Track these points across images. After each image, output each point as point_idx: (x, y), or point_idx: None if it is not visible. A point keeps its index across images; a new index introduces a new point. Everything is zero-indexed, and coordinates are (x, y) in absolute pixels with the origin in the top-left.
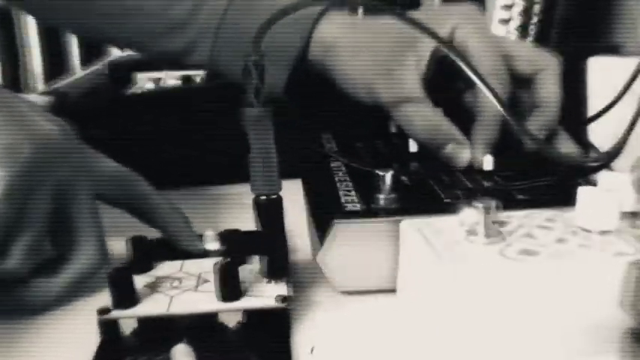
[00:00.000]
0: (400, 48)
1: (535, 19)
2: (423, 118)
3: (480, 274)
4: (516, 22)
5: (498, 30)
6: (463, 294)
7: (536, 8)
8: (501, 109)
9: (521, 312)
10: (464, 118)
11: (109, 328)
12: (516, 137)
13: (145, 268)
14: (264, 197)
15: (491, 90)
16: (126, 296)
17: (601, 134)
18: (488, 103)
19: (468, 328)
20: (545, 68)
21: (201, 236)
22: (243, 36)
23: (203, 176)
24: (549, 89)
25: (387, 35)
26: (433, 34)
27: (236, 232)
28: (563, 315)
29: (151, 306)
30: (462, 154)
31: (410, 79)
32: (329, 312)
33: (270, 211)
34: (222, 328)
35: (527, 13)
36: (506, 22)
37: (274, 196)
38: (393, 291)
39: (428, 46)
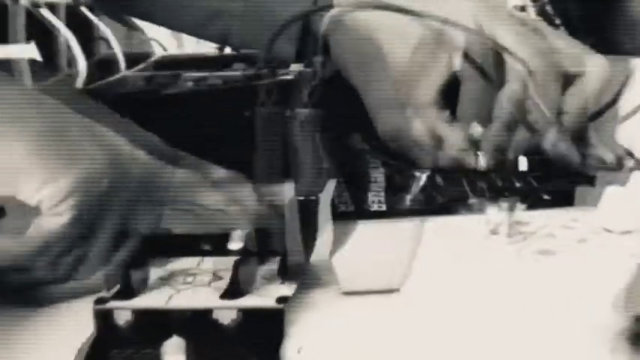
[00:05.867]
0: (423, 55)
1: None
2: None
3: (496, 273)
4: None
5: None
6: (479, 293)
7: (535, 10)
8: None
9: (536, 311)
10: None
11: (101, 320)
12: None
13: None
14: (303, 198)
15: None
16: (123, 287)
17: (630, 135)
18: (504, 109)
19: (483, 326)
20: (591, 71)
21: None
22: None
23: None
24: (588, 95)
25: (407, 39)
26: (467, 29)
27: (263, 231)
28: (579, 315)
29: (149, 299)
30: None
31: (429, 89)
32: (327, 312)
33: (308, 211)
34: (217, 325)
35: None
36: None
37: (314, 198)
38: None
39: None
